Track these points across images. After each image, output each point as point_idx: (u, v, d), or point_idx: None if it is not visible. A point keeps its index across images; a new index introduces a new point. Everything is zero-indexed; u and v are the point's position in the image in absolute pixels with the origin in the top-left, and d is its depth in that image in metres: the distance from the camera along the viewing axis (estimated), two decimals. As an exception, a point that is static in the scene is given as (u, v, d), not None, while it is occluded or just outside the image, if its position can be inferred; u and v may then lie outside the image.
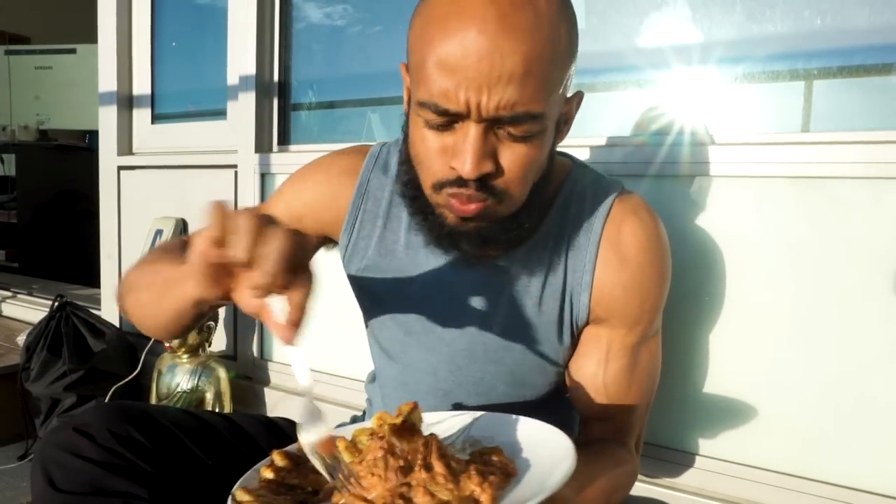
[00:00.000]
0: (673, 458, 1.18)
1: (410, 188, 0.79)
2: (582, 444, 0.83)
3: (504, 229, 0.76)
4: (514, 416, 0.71)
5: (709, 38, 1.16)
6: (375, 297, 0.93)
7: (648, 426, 1.19)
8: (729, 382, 1.13)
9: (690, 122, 1.17)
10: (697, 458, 1.17)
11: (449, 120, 0.69)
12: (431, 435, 0.61)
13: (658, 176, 1.16)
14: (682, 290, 1.14)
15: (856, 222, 1.02)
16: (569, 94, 0.76)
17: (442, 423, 0.73)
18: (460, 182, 0.70)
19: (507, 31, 0.64)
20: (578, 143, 1.26)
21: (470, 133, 0.68)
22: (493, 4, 0.65)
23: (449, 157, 0.71)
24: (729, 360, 1.13)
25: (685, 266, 1.13)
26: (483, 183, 0.70)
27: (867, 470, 1.04)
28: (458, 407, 0.91)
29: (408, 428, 0.62)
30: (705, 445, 1.16)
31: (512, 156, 0.70)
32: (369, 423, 0.68)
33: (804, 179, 1.05)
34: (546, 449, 0.64)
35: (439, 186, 0.73)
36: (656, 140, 1.18)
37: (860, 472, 1.04)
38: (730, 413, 1.14)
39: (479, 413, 0.74)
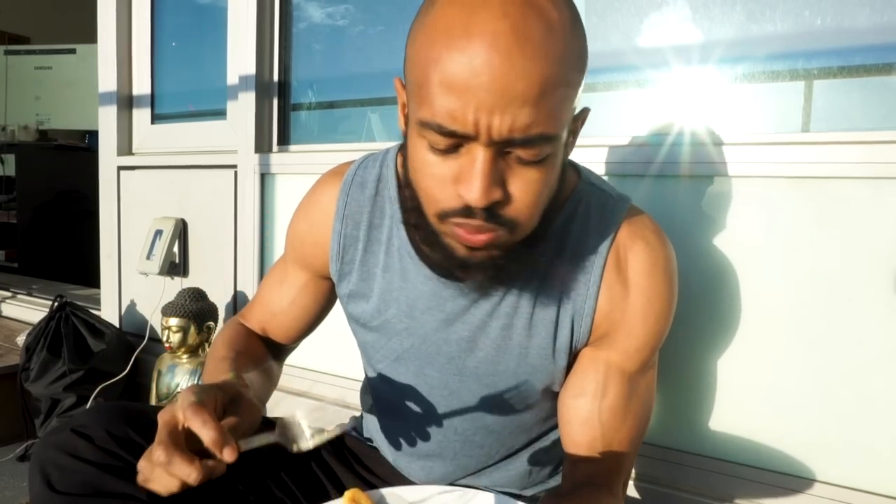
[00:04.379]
0: (673, 458, 1.18)
1: (414, 215, 0.73)
2: (564, 495, 0.78)
3: (518, 256, 0.71)
4: (507, 499, 0.65)
5: (709, 38, 1.16)
6: (362, 322, 0.91)
7: (650, 426, 1.19)
8: (729, 382, 1.13)
9: (690, 122, 1.17)
10: (697, 458, 1.16)
11: (454, 143, 0.63)
12: None
13: (658, 176, 1.16)
14: (682, 290, 1.14)
15: (856, 222, 1.02)
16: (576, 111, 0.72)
17: (427, 502, 0.67)
18: (467, 212, 0.64)
19: (521, 47, 0.58)
20: (579, 143, 1.26)
21: (478, 157, 0.62)
22: (505, 18, 0.58)
23: (454, 183, 0.64)
24: (729, 360, 1.13)
25: (685, 266, 1.13)
26: (492, 212, 0.64)
27: (867, 470, 1.04)
28: (452, 431, 0.89)
29: None
30: (705, 445, 1.16)
31: (522, 182, 0.64)
32: (341, 502, 0.65)
33: (804, 179, 1.05)
34: None
35: (444, 216, 0.67)
36: (656, 140, 1.18)
37: (860, 472, 1.04)
38: (730, 413, 1.14)
39: (470, 492, 0.69)
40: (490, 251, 0.69)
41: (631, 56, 1.24)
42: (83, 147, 3.64)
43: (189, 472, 0.60)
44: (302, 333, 1.02)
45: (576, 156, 1.22)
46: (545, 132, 0.62)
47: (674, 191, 1.15)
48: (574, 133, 0.73)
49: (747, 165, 1.08)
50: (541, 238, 0.73)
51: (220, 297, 1.85)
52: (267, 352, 0.98)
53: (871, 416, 1.02)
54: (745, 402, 1.12)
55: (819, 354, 1.05)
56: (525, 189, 0.65)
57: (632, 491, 1.22)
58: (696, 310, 1.14)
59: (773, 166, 1.06)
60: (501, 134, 0.60)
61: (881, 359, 1.01)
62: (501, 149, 0.63)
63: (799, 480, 1.08)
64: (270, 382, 0.95)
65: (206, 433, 0.60)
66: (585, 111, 0.74)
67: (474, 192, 0.62)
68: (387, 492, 0.65)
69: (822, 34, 1.08)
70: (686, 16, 1.18)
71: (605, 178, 0.89)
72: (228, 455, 0.60)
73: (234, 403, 0.69)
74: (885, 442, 1.02)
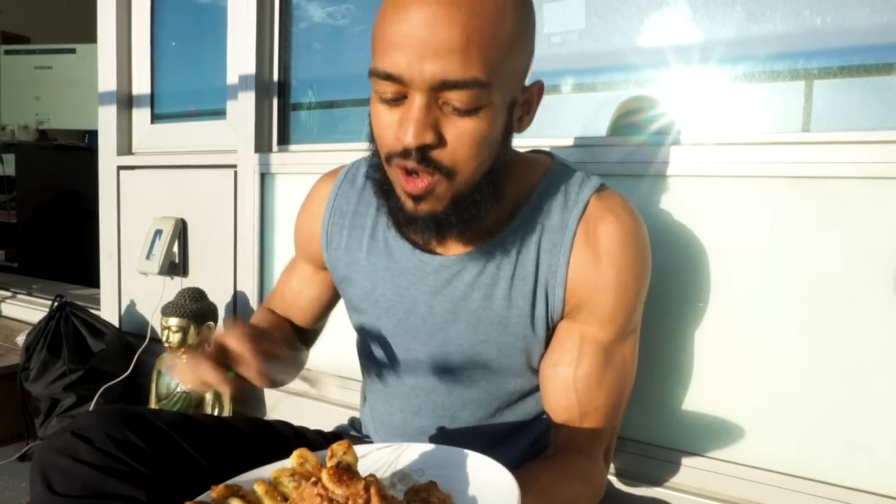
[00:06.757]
0: (673, 458, 1.18)
1: (375, 170, 0.82)
2: (544, 458, 0.83)
3: (458, 213, 0.76)
4: (442, 447, 0.69)
5: (709, 38, 1.16)
6: (350, 306, 0.95)
7: (649, 426, 1.19)
8: (729, 382, 1.13)
9: (691, 122, 1.17)
10: (697, 458, 1.16)
11: (399, 91, 0.71)
12: (371, 476, 0.59)
13: (658, 176, 1.16)
14: (683, 289, 1.14)
15: (856, 222, 1.02)
16: (527, 83, 0.78)
17: (366, 458, 0.69)
18: (405, 153, 0.72)
19: (447, 4, 0.67)
20: (580, 143, 1.26)
21: (414, 103, 0.70)
22: None
23: (397, 128, 0.72)
24: (730, 360, 1.13)
25: (685, 265, 1.13)
26: (424, 155, 0.71)
27: (867, 470, 1.03)
28: (441, 406, 0.92)
29: (344, 471, 0.59)
30: (705, 445, 1.16)
31: (456, 129, 0.71)
32: (289, 462, 0.67)
33: (804, 179, 1.05)
34: (487, 482, 0.62)
35: (389, 158, 0.75)
36: (656, 140, 1.18)
37: (860, 472, 1.04)
38: (730, 413, 1.14)
39: (404, 445, 0.73)
40: (433, 204, 0.75)
41: (631, 56, 1.24)
42: (83, 147, 3.64)
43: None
44: (315, 322, 1.09)
45: (577, 155, 1.22)
46: (477, 77, 0.69)
47: (674, 191, 1.15)
48: (528, 107, 0.80)
49: (747, 165, 1.08)
50: (489, 199, 0.78)
51: (219, 297, 1.85)
52: (294, 333, 1.07)
53: (872, 416, 1.02)
54: (744, 401, 1.12)
55: (819, 354, 1.05)
56: (459, 137, 0.72)
57: (628, 489, 1.22)
58: (696, 309, 1.14)
59: (773, 166, 1.06)
60: (434, 77, 0.68)
61: (882, 359, 1.01)
62: (436, 95, 0.70)
63: (799, 480, 1.08)
64: (298, 361, 1.02)
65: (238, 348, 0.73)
66: (538, 83, 0.80)
67: (408, 134, 0.70)
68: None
69: (822, 34, 1.07)
70: (686, 16, 1.18)
71: (605, 177, 0.90)
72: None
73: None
74: (884, 441, 1.02)
